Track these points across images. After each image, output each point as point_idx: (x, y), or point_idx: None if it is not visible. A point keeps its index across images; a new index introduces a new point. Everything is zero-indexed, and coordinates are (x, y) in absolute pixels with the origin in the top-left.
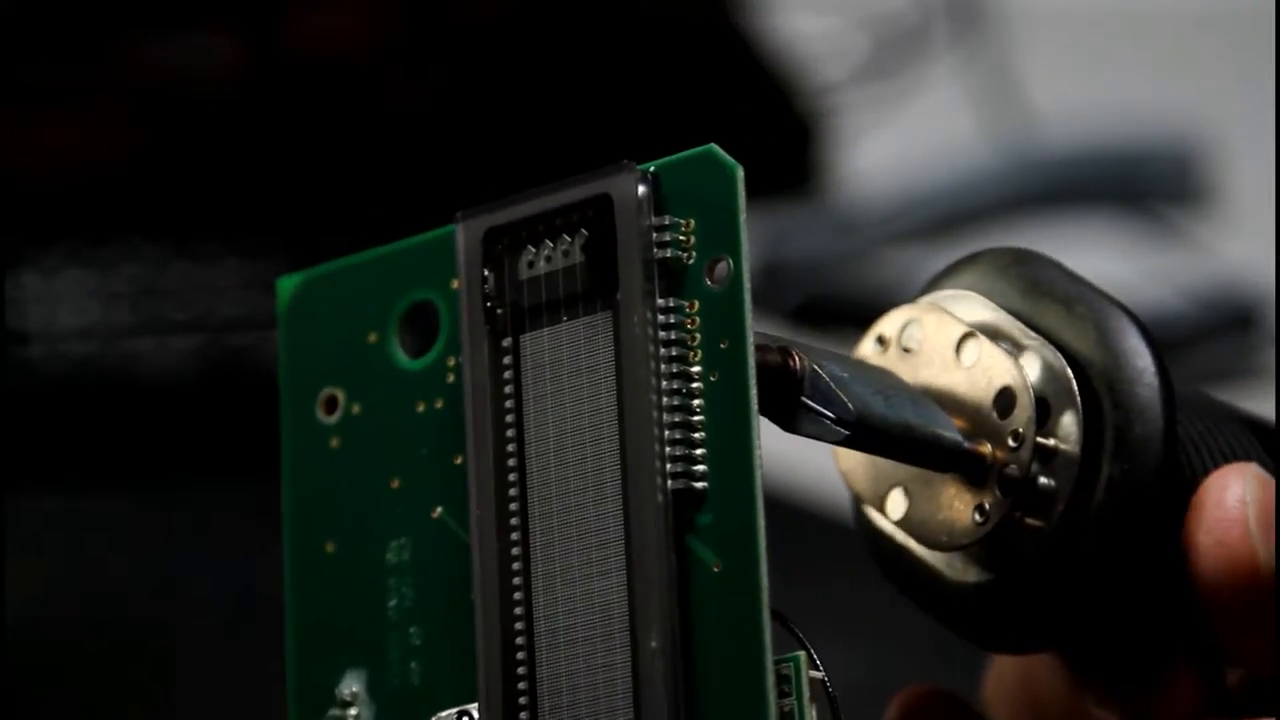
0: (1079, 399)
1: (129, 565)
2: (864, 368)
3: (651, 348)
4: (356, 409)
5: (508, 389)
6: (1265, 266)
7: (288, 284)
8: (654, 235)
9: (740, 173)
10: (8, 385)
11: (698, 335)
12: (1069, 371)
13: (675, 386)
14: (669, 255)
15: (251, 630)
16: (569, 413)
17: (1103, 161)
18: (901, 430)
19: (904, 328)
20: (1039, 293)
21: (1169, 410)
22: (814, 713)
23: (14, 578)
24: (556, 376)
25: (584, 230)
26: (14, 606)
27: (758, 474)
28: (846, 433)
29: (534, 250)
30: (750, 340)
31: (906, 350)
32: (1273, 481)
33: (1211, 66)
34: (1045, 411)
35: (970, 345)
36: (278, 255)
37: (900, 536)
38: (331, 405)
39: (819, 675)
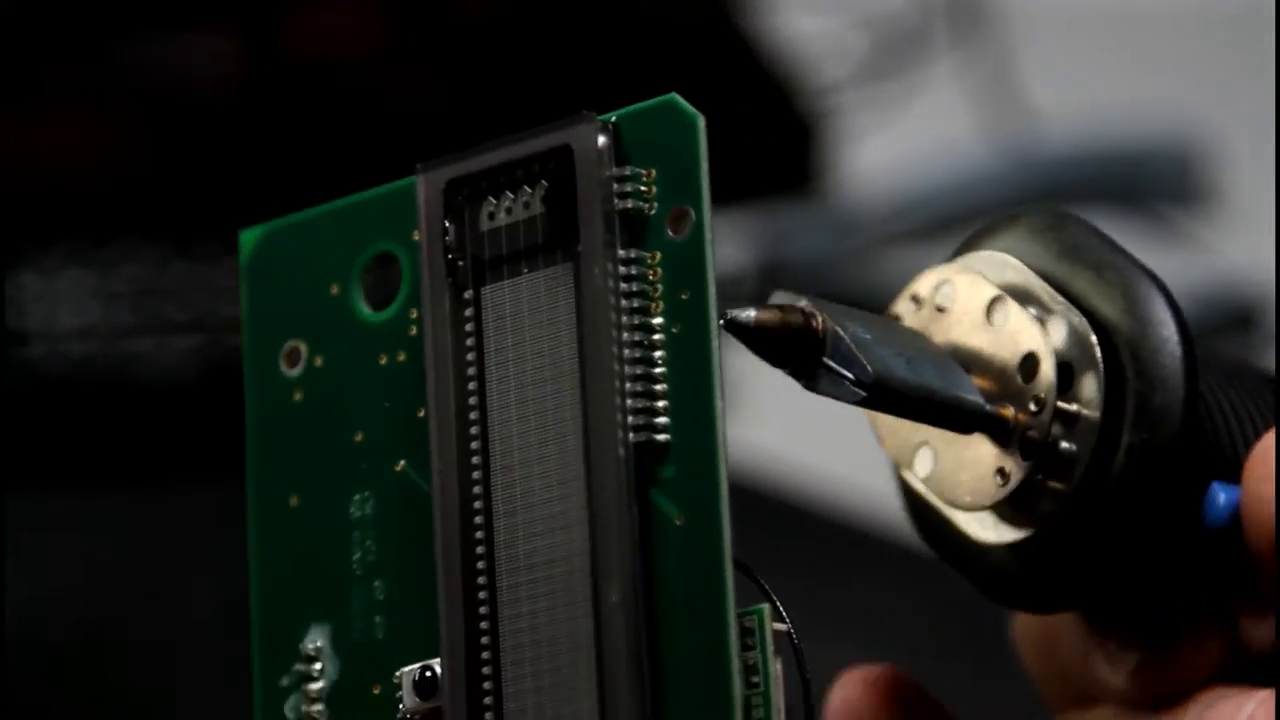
0: (1102, 365)
1: (129, 565)
2: (890, 330)
3: (613, 299)
4: (319, 362)
5: (469, 342)
6: (1266, 266)
7: (250, 236)
8: (614, 186)
9: (701, 122)
10: (8, 385)
11: (659, 286)
12: (1093, 338)
13: (637, 339)
14: (630, 206)
15: (251, 630)
16: (530, 365)
17: (1103, 162)
18: (922, 393)
19: (938, 287)
20: (1072, 257)
21: (1190, 380)
22: (778, 665)
23: (14, 578)
24: (518, 329)
25: (544, 181)
26: (14, 606)
27: (720, 426)
28: (864, 394)
29: (494, 202)
30: (712, 291)
31: (939, 309)
32: None
33: (1211, 66)
34: (1069, 376)
35: (999, 308)
36: None
37: (929, 495)
38: (294, 358)
39: (784, 628)
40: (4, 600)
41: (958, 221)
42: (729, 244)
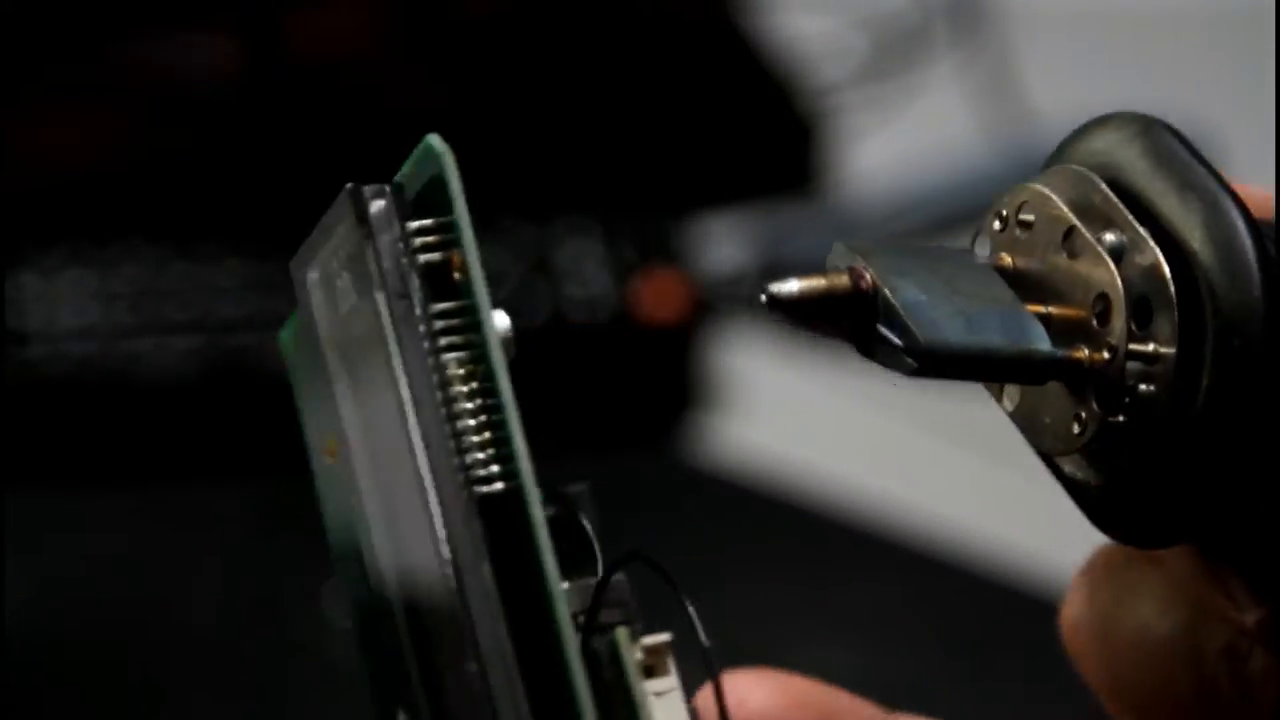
0: (1177, 303)
1: (129, 565)
2: (954, 278)
3: (431, 361)
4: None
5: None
6: None
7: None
8: (399, 246)
9: (449, 158)
10: (8, 385)
11: (460, 335)
12: (1168, 274)
13: (450, 394)
14: (421, 261)
15: (252, 630)
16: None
17: None
18: (982, 355)
19: (1019, 207)
20: (1155, 172)
21: (1273, 317)
22: (658, 685)
23: (14, 578)
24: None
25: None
26: (14, 606)
27: (524, 464)
28: (916, 364)
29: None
30: (491, 325)
31: (1023, 224)
32: None
33: (1211, 66)
34: (1147, 312)
35: (1075, 237)
36: (278, 256)
37: (1019, 430)
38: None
39: (665, 638)
40: (4, 600)
41: (958, 221)
42: (729, 244)
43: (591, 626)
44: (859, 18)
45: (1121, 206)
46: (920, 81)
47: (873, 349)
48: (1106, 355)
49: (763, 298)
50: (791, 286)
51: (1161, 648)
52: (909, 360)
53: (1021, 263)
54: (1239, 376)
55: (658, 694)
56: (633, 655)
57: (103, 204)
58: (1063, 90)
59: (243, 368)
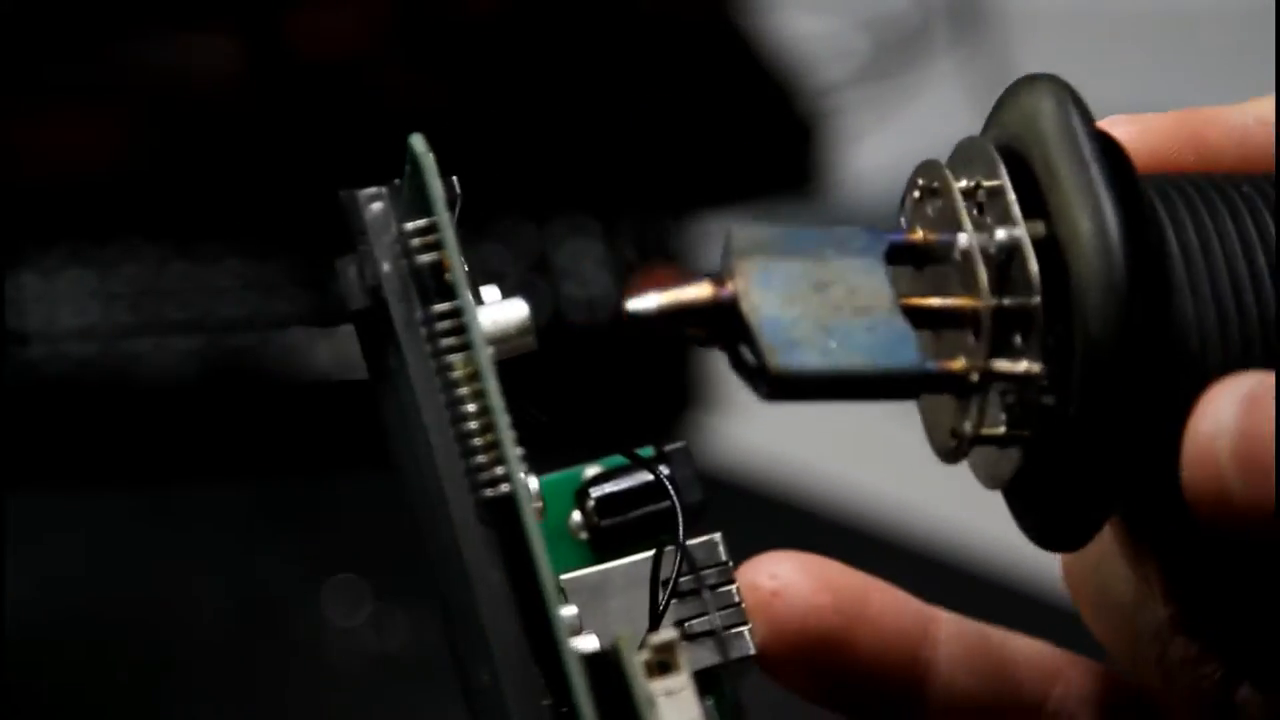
0: (1045, 325)
1: (129, 565)
2: (834, 282)
3: (433, 364)
4: None
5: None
6: None
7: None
8: (397, 247)
9: (429, 159)
10: (8, 385)
11: (454, 336)
12: (1039, 302)
13: (452, 397)
14: (415, 263)
15: (251, 630)
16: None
17: None
18: (841, 379)
19: (930, 180)
20: (1058, 164)
21: (1127, 328)
22: (666, 685)
23: (14, 577)
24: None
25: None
26: (14, 606)
27: (519, 476)
28: (767, 390)
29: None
30: (478, 323)
31: (932, 197)
32: (1268, 398)
33: (1211, 66)
34: (1022, 326)
35: (961, 237)
36: (278, 256)
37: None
38: None
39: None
40: (4, 600)
41: None
42: None
43: (675, 594)
44: (859, 18)
45: (1015, 207)
46: (920, 81)
47: (739, 363)
48: (976, 377)
49: (623, 316)
50: (650, 302)
51: (1116, 612)
52: (761, 386)
53: (933, 237)
54: (1104, 397)
55: (669, 693)
56: (635, 659)
57: (103, 204)
58: None
59: (243, 368)
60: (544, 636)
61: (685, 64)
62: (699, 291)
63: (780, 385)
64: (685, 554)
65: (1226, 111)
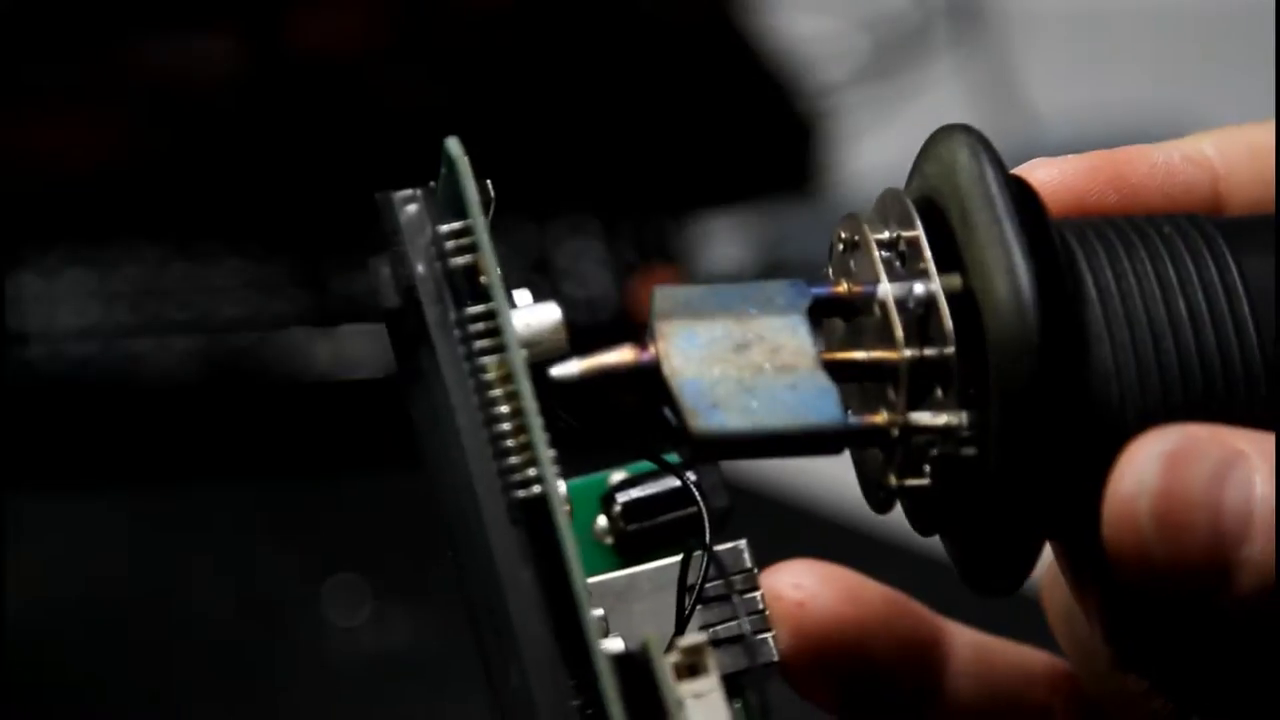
0: (959, 381)
1: (129, 565)
2: (755, 342)
3: (466, 366)
4: None
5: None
6: None
7: None
8: (432, 250)
9: (464, 163)
10: (8, 385)
11: (488, 339)
12: (950, 328)
13: (484, 400)
14: (450, 265)
15: (251, 630)
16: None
17: None
18: (763, 439)
19: (851, 233)
20: (973, 218)
21: (1042, 366)
22: (696, 687)
23: (14, 577)
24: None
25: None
26: (14, 606)
27: (554, 485)
28: (690, 451)
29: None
30: (512, 326)
31: (855, 245)
32: (1189, 455)
33: (1211, 66)
34: (941, 379)
35: (879, 288)
36: (278, 256)
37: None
38: None
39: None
40: (4, 600)
41: None
42: (729, 244)
43: (700, 600)
44: (859, 18)
45: (931, 262)
46: (920, 81)
47: (663, 425)
48: (896, 431)
49: (547, 379)
50: (572, 369)
51: (1082, 644)
52: (684, 447)
53: (856, 289)
54: (1021, 451)
55: (697, 695)
56: (665, 661)
57: (103, 204)
58: (1062, 90)
59: (243, 368)
60: (573, 637)
61: (685, 64)
62: (620, 356)
63: (701, 447)
64: (713, 559)
65: (1149, 150)
